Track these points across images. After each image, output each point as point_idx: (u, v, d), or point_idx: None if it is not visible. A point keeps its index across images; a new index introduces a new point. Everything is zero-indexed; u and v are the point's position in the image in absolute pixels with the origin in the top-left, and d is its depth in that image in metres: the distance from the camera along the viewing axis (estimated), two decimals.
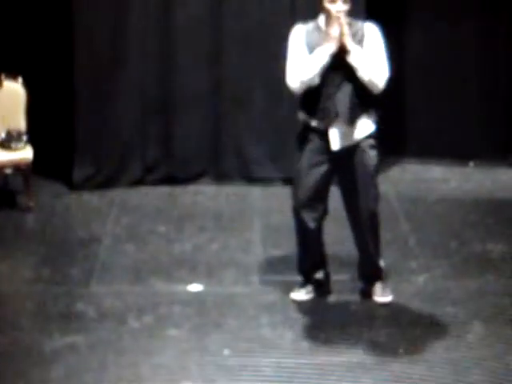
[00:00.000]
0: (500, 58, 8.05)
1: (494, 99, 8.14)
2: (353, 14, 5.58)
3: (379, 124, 5.55)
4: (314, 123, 5.49)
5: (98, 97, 7.52)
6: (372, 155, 5.51)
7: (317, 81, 5.41)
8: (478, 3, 7.98)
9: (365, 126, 5.50)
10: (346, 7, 5.37)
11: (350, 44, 5.33)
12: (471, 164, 8.17)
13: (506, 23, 8.01)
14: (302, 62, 5.40)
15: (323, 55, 5.36)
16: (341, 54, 5.37)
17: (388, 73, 5.44)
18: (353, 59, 5.34)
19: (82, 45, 7.43)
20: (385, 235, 5.90)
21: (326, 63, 5.36)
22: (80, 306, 5.69)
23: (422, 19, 8.03)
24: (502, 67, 8.06)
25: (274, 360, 5.10)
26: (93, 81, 7.50)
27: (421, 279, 6.04)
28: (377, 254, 5.72)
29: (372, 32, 5.47)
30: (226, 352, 5.18)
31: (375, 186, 5.57)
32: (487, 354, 5.15)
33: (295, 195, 5.62)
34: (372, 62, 5.37)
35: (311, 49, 5.42)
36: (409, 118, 8.21)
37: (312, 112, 5.48)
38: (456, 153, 8.12)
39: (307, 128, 5.51)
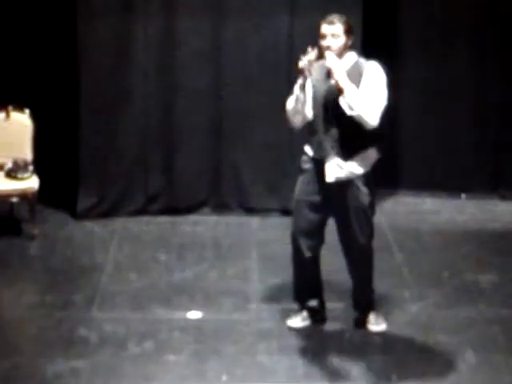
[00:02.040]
0: (491, 92, 8.09)
1: (484, 134, 8.17)
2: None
3: (378, 162, 5.56)
4: (312, 154, 5.57)
5: (102, 129, 7.59)
6: (366, 192, 5.51)
7: (305, 114, 5.45)
8: (470, 39, 8.04)
9: (361, 164, 5.51)
10: (337, 42, 5.37)
11: (343, 83, 5.29)
12: (463, 196, 8.19)
13: (498, 58, 8.06)
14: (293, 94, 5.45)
15: (296, 90, 5.39)
16: (339, 92, 5.38)
17: (381, 109, 5.34)
18: (345, 98, 5.29)
19: (86, 79, 7.51)
20: (379, 265, 5.92)
21: (304, 96, 5.37)
22: (82, 332, 5.74)
23: (415, 55, 8.11)
24: (493, 102, 8.09)
25: None
26: (97, 114, 7.55)
27: (414, 308, 6.10)
28: (369, 285, 5.77)
29: (371, 69, 5.42)
30: (224, 378, 5.25)
31: (368, 223, 5.58)
32: (479, 382, 5.22)
33: (293, 223, 5.66)
34: (364, 99, 5.30)
35: (314, 82, 5.47)
36: (402, 152, 8.22)
37: (312, 144, 5.56)
38: (448, 185, 8.15)
39: (308, 158, 5.59)
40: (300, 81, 5.39)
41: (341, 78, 5.31)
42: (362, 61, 5.48)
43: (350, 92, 5.31)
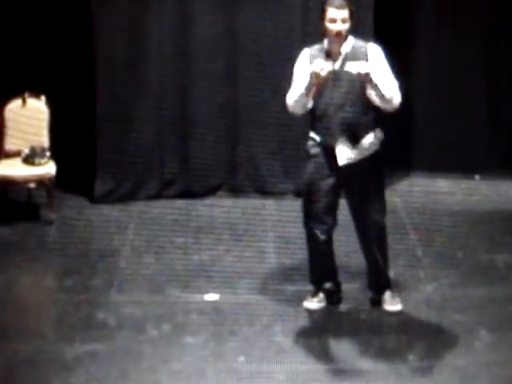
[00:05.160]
0: (503, 74, 8.10)
1: (498, 114, 8.19)
2: (360, 36, 5.69)
3: (386, 142, 5.61)
4: (320, 139, 5.62)
5: (118, 115, 7.63)
6: (377, 171, 5.59)
7: (308, 106, 5.51)
8: (481, 23, 8.04)
9: (370, 144, 5.58)
10: (346, 26, 5.45)
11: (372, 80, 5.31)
12: (477, 177, 8.21)
13: (509, 41, 8.07)
14: (296, 87, 5.50)
15: (302, 87, 5.44)
16: (342, 75, 5.45)
17: (399, 90, 5.44)
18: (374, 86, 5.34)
19: (102, 65, 7.55)
20: (393, 246, 5.98)
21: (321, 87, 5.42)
22: (100, 315, 5.81)
23: (428, 39, 8.10)
24: (506, 84, 8.11)
25: (287, 366, 5.23)
26: (113, 99, 7.60)
27: (429, 288, 6.15)
28: (385, 265, 5.81)
29: (375, 52, 5.52)
30: (241, 359, 5.31)
31: (381, 201, 5.64)
32: (494, 361, 5.27)
33: (305, 208, 5.72)
34: (383, 82, 5.38)
35: (317, 69, 5.49)
36: (417, 134, 8.26)
37: (318, 130, 5.61)
38: (462, 166, 8.16)
39: (315, 143, 5.64)
40: (310, 84, 5.38)
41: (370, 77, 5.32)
42: (361, 42, 5.54)
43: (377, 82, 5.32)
